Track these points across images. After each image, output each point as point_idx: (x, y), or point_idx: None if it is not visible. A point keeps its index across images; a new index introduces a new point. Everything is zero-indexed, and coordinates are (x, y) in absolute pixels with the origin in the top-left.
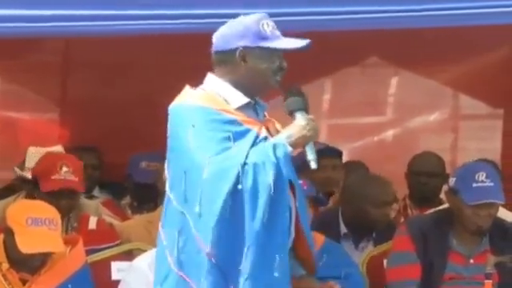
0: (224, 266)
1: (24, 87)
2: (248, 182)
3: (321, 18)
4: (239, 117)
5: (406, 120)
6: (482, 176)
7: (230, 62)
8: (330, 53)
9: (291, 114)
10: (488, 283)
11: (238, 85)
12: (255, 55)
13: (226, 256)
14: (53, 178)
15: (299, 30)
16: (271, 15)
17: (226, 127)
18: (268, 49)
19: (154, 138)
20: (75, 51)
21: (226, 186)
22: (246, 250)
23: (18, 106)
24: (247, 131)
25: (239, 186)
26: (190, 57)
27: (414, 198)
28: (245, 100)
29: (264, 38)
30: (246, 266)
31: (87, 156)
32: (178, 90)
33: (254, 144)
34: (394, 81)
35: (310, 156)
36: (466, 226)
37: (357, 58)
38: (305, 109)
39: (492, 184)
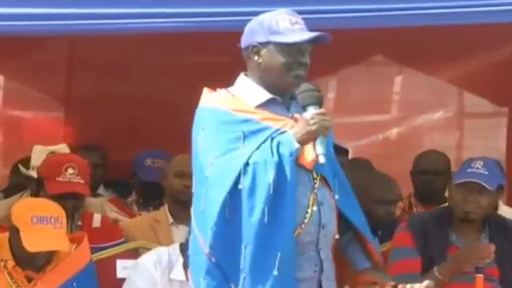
0: (224, 265)
1: (28, 86)
2: (247, 182)
3: (325, 16)
4: (257, 115)
5: (411, 118)
6: (478, 164)
7: (249, 59)
8: (335, 51)
9: (304, 108)
10: (479, 277)
11: (260, 82)
12: (268, 50)
13: (225, 255)
14: (58, 179)
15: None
16: None
17: (236, 127)
18: (280, 43)
19: (158, 137)
20: (79, 50)
21: (226, 187)
22: (243, 248)
23: (22, 104)
24: (263, 129)
25: (240, 186)
26: (195, 56)
27: (419, 196)
28: (266, 97)
29: (276, 32)
30: (245, 264)
31: (91, 155)
32: (182, 89)
33: (266, 141)
34: (398, 79)
35: (319, 150)
36: (455, 214)
37: (361, 57)
38: (317, 103)
39: (486, 173)
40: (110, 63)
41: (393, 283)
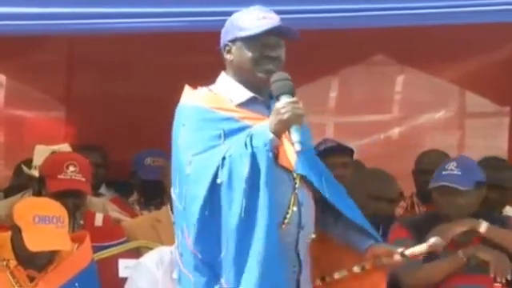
0: (210, 261)
1: (29, 86)
2: (224, 176)
3: (326, 15)
4: (238, 113)
5: (413, 118)
6: (452, 165)
7: (225, 59)
8: (336, 51)
9: (277, 98)
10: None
11: (237, 80)
12: (237, 47)
13: (210, 251)
14: (59, 177)
15: (304, 28)
16: (276, 13)
17: (217, 125)
18: (245, 38)
19: (158, 136)
20: (80, 50)
21: (206, 182)
22: (226, 242)
23: (23, 104)
24: (244, 128)
25: (218, 181)
26: (195, 55)
27: (421, 196)
28: (247, 95)
29: (242, 28)
30: (228, 258)
31: (92, 155)
32: (182, 89)
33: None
34: (400, 79)
35: (294, 138)
36: (442, 216)
37: (363, 56)
38: (289, 92)
39: (459, 173)
40: (109, 63)
41: (400, 250)
